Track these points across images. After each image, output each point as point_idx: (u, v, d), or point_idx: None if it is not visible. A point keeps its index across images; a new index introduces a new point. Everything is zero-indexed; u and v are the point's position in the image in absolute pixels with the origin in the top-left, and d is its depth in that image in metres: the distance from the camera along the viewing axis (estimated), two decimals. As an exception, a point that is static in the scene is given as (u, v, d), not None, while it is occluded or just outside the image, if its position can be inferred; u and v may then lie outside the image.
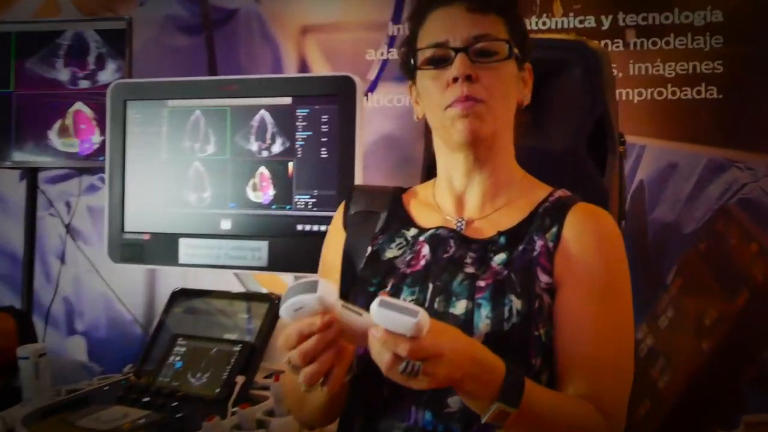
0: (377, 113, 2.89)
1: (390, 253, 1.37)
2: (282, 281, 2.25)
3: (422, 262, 1.33)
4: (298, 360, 1.07)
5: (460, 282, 1.29)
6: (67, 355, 3.08)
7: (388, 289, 1.31)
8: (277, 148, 2.09)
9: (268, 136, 2.09)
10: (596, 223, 1.35)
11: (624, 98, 2.74)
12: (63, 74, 2.66)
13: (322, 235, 1.97)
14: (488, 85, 1.30)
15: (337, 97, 2.02)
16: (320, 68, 2.93)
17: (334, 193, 2.02)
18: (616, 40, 2.76)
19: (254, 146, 2.11)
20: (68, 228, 3.02)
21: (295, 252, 2.06)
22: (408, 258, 1.36)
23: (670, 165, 2.71)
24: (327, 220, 1.98)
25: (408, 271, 1.34)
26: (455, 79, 1.28)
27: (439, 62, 1.32)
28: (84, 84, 2.61)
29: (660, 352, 2.69)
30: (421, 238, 1.37)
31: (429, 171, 1.76)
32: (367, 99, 2.88)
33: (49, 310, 2.98)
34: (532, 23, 2.81)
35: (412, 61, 1.37)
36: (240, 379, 1.83)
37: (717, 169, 2.66)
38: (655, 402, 2.69)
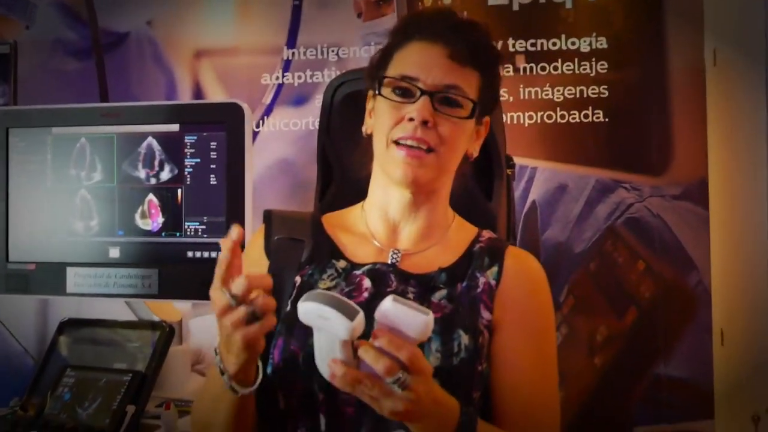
0: (272, 137, 2.91)
1: (322, 284, 1.35)
2: (174, 308, 2.22)
3: (365, 294, 1.32)
4: (242, 288, 1.07)
5: None
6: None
7: None
8: (165, 175, 2.08)
9: (156, 163, 2.07)
10: (532, 269, 1.41)
11: (515, 122, 2.80)
12: (-54, 102, 2.59)
13: (212, 261, 1.97)
14: (441, 135, 1.30)
15: (225, 124, 2.02)
16: (215, 93, 2.93)
17: (224, 220, 2.01)
18: (506, 66, 2.82)
19: (142, 173, 2.09)
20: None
21: (186, 279, 2.04)
22: (347, 290, 1.33)
23: (560, 186, 2.78)
24: (217, 247, 1.98)
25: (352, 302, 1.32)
26: (411, 119, 1.29)
27: (403, 94, 1.33)
28: None
29: (554, 369, 2.74)
30: (358, 272, 1.35)
31: (322, 196, 1.77)
32: (263, 123, 2.89)
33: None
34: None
35: (378, 78, 1.36)
36: (130, 409, 1.81)
37: (605, 189, 2.75)
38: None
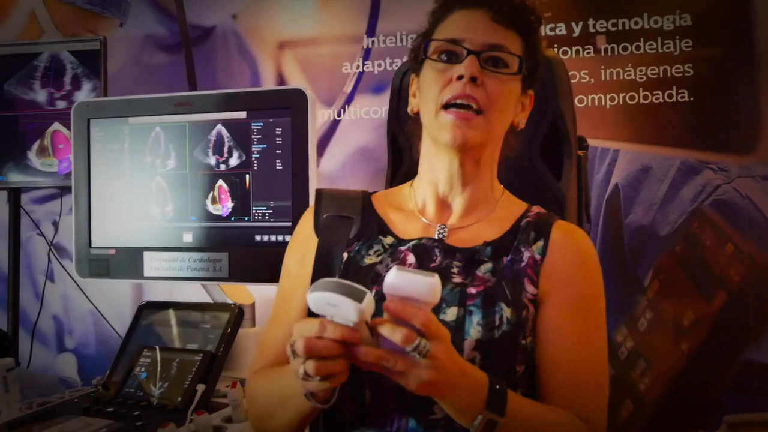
0: (354, 125, 2.94)
1: (368, 260, 1.37)
2: (247, 291, 2.27)
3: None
4: (302, 351, 1.05)
5: (450, 290, 1.29)
6: (53, 371, 3.13)
7: (372, 294, 1.23)
8: (234, 161, 2.12)
9: (225, 149, 2.12)
10: (579, 242, 1.39)
11: (597, 103, 2.76)
12: (40, 95, 2.70)
13: (279, 245, 2.04)
14: (490, 93, 1.31)
15: (289, 110, 2.05)
16: (297, 82, 2.97)
17: (290, 204, 2.05)
18: (587, 47, 2.78)
19: (212, 160, 2.15)
20: (51, 247, 3.06)
21: (255, 262, 2.09)
22: (391, 265, 1.33)
23: (643, 168, 2.72)
24: (283, 230, 2.05)
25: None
26: (459, 77, 1.30)
27: (450, 57, 1.34)
28: (61, 104, 2.65)
29: (640, 354, 2.69)
30: (404, 248, 1.37)
31: (393, 179, 1.80)
32: (344, 111, 2.92)
33: (34, 327, 3.01)
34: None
35: (423, 51, 1.38)
36: (200, 387, 1.86)
37: (690, 171, 2.67)
38: (637, 404, 2.69)
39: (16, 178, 2.74)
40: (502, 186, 1.48)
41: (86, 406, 1.93)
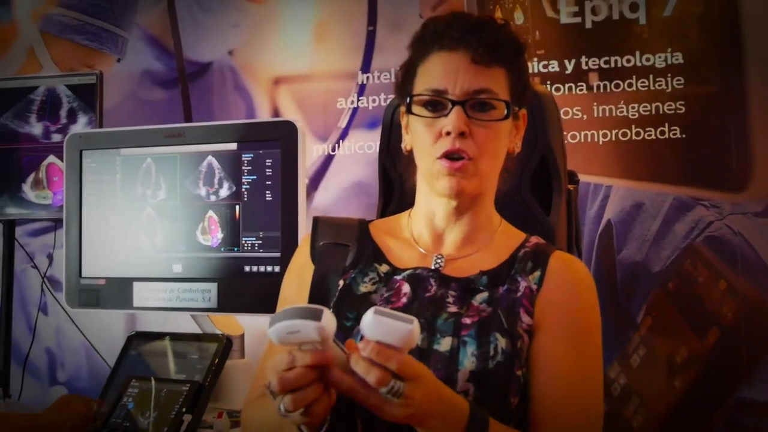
0: (348, 160, 2.95)
1: (364, 288, 1.35)
2: (236, 322, 2.27)
3: (404, 300, 1.32)
4: (277, 387, 1.03)
5: (444, 320, 1.28)
6: (44, 404, 3.08)
7: None
8: (224, 192, 2.13)
9: (216, 180, 2.13)
10: (576, 272, 1.37)
11: (589, 140, 2.76)
12: (36, 128, 2.70)
13: (268, 275, 2.04)
14: (480, 143, 1.29)
15: (279, 142, 2.05)
16: (293, 117, 2.94)
17: (279, 235, 2.04)
18: (579, 84, 2.79)
19: (203, 191, 2.15)
20: (44, 279, 3.04)
21: (244, 293, 2.09)
22: (386, 295, 1.33)
23: (636, 204, 2.72)
24: (273, 261, 2.05)
25: (388, 306, 1.30)
26: (448, 133, 1.27)
27: (435, 108, 1.31)
28: (56, 137, 2.63)
29: (633, 391, 2.68)
30: (398, 277, 1.35)
31: (384, 212, 1.80)
32: (339, 146, 2.94)
33: (26, 360, 2.98)
34: (497, 69, 2.85)
35: (407, 104, 1.35)
36: (187, 418, 1.85)
37: (683, 207, 2.67)
38: (630, 443, 2.67)
39: (10, 210, 2.73)
40: (499, 216, 1.46)
41: None
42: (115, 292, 2.20)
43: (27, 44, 3.32)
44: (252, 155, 2.10)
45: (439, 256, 1.37)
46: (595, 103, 2.78)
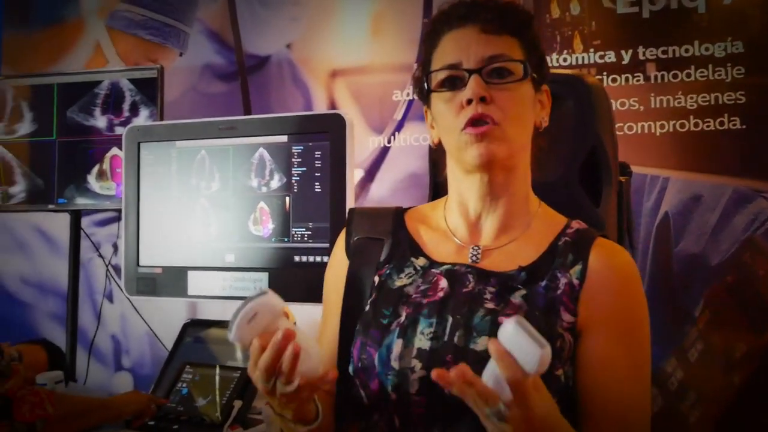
0: (404, 152, 2.95)
1: (399, 282, 1.32)
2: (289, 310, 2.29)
3: (440, 294, 1.28)
4: (262, 375, 1.08)
5: (481, 317, 1.23)
6: (109, 389, 3.15)
7: (402, 318, 1.26)
8: (275, 183, 2.14)
9: (267, 172, 2.14)
10: (621, 265, 1.31)
11: (646, 131, 2.71)
12: (100, 121, 2.75)
13: (317, 265, 2.05)
14: (503, 107, 1.25)
15: (328, 134, 2.06)
16: (349, 109, 2.98)
17: (328, 225, 2.05)
18: (636, 74, 2.74)
19: (254, 182, 2.16)
20: (109, 267, 3.10)
21: (293, 282, 2.09)
22: (423, 288, 1.30)
23: (694, 197, 2.66)
24: (322, 251, 2.05)
25: (424, 301, 1.28)
26: (469, 101, 1.24)
27: (453, 84, 1.28)
28: (120, 130, 2.64)
29: (690, 386, 2.62)
30: (436, 271, 1.32)
31: (435, 194, 1.80)
32: (394, 138, 2.95)
33: (91, 345, 3.04)
34: (552, 60, 2.82)
35: (425, 85, 1.32)
36: (237, 404, 1.88)
37: (742, 200, 2.60)
38: (687, 437, 2.63)
39: (76, 201, 2.78)
40: (537, 198, 1.40)
41: (129, 420, 1.96)
42: (171, 281, 2.23)
43: (93, 39, 3.39)
44: (302, 147, 2.10)
45: (476, 248, 1.33)
46: (652, 94, 2.73)
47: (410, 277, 1.33)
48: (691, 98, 2.69)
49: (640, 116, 2.72)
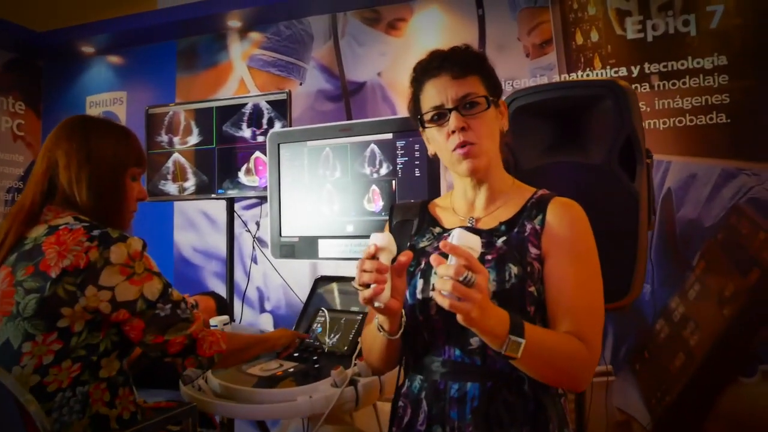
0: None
1: (422, 244, 1.34)
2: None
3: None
4: (359, 277, 1.14)
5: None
6: (257, 326, 3.09)
7: (422, 265, 1.28)
8: (383, 171, 1.97)
9: (377, 162, 1.98)
10: (569, 210, 1.28)
11: (652, 127, 2.51)
12: (246, 132, 2.64)
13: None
14: (477, 131, 1.25)
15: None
16: None
17: (425, 199, 1.88)
18: (643, 84, 2.54)
19: (367, 170, 2.00)
20: (254, 239, 3.01)
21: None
22: (436, 245, 1.31)
23: (690, 175, 2.45)
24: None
25: (436, 252, 1.25)
26: (453, 132, 1.25)
27: (439, 119, 1.28)
28: (260, 138, 2.58)
29: (690, 317, 2.42)
30: (445, 234, 1.33)
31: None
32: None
33: (244, 295, 2.97)
34: (578, 75, 2.63)
35: (419, 118, 1.32)
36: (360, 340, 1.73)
37: (729, 176, 2.40)
38: (688, 356, 2.42)
39: (231, 191, 2.70)
40: (511, 177, 1.38)
41: (279, 351, 1.83)
42: (305, 247, 2.09)
43: (239, 76, 3.28)
44: (404, 142, 1.94)
45: (471, 218, 1.33)
46: (656, 99, 2.52)
47: (429, 240, 1.34)
48: (687, 101, 2.49)
49: (647, 116, 2.52)
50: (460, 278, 1.01)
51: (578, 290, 1.21)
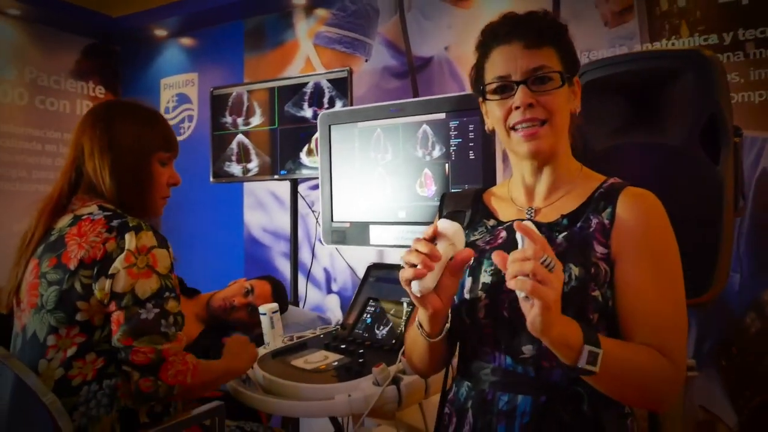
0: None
1: (472, 238, 1.21)
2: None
3: (499, 241, 1.17)
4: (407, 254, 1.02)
5: None
6: (324, 306, 3.03)
7: (470, 263, 1.13)
8: (436, 153, 1.83)
9: (429, 144, 1.84)
10: (644, 202, 1.11)
11: (746, 100, 2.22)
12: (307, 112, 2.58)
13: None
14: (547, 107, 1.10)
15: (477, 110, 1.72)
16: None
17: (481, 186, 1.72)
18: (737, 52, 2.24)
19: (420, 153, 1.87)
20: (317, 220, 2.93)
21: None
22: (488, 239, 1.19)
23: (789, 153, 2.16)
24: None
25: (487, 247, 1.17)
26: (518, 107, 1.10)
27: (504, 92, 1.12)
28: None
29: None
30: (500, 227, 1.20)
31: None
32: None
33: (308, 275, 2.90)
34: (662, 44, 2.36)
35: (482, 88, 1.17)
36: (408, 333, 1.61)
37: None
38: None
39: (293, 172, 2.62)
40: (579, 163, 1.21)
41: (327, 342, 1.75)
42: (357, 233, 1.99)
43: (305, 54, 3.21)
44: (457, 122, 1.78)
45: (530, 209, 1.18)
46: (751, 69, 2.22)
47: (481, 233, 1.21)
48: (787, 70, 2.16)
49: (740, 88, 2.23)
50: (540, 259, 0.89)
51: (658, 298, 1.05)
